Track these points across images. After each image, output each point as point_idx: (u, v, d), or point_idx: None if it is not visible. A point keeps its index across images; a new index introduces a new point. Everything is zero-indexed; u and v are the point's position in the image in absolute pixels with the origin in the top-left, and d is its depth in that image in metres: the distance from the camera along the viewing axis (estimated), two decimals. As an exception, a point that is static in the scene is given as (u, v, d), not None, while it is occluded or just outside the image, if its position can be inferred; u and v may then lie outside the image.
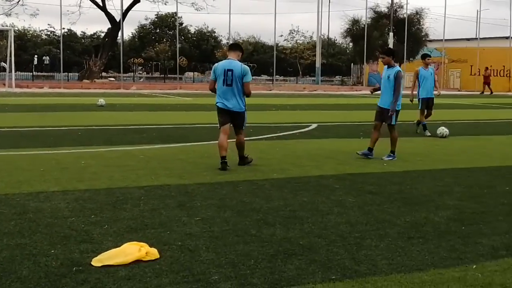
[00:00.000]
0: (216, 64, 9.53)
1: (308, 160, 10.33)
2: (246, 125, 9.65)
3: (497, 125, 18.97)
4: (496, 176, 9.12)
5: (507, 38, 57.74)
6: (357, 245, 5.32)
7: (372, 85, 57.42)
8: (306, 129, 15.94)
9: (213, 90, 9.38)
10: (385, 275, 4.56)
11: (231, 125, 9.38)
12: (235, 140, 9.49)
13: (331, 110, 24.11)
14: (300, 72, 71.82)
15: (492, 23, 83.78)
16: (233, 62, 9.24)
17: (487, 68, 47.94)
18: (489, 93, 45.22)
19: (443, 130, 14.39)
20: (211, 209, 6.44)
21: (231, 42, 56.97)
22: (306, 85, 54.98)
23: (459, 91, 51.76)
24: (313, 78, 59.17)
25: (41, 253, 4.82)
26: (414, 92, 15.26)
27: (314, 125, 16.90)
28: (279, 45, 68.76)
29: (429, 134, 14.65)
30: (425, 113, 15.12)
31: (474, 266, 4.79)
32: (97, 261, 4.58)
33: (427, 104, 15.13)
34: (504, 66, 53.64)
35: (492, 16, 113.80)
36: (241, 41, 70.37)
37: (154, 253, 4.74)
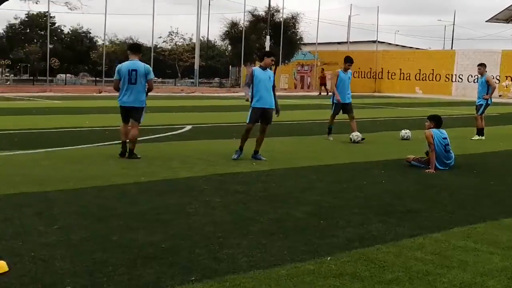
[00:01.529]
0: (119, 65, 10.65)
1: (179, 162, 10.29)
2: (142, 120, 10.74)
3: (362, 124, 19.82)
4: (356, 171, 9.54)
5: (374, 42, 60.73)
6: (220, 244, 5.36)
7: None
8: (180, 131, 15.87)
9: (117, 88, 10.57)
10: (244, 272, 4.63)
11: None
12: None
13: (207, 112, 24.16)
14: (179, 74, 71.32)
15: (361, 27, 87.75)
16: (137, 62, 10.48)
17: (323, 70, 49.57)
18: (326, 93, 46.40)
19: (355, 135, 13.81)
20: (71, 217, 6.23)
21: (107, 43, 55.75)
22: (184, 87, 54.73)
23: (330, 92, 53.66)
24: (191, 80, 58.99)
25: None
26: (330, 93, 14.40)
27: (188, 127, 16.86)
28: (157, 46, 67.94)
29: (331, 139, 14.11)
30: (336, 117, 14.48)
31: (328, 258, 4.98)
32: None
33: (344, 108, 14.38)
34: (371, 68, 56.35)
35: (362, 21, 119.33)
36: (118, 42, 68.78)
37: (1, 266, 4.49)
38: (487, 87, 15.24)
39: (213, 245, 5.31)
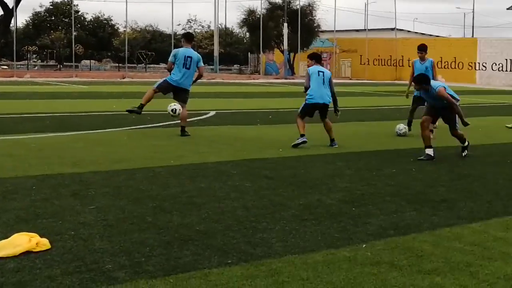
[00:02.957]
0: (176, 50, 11.89)
1: (206, 147, 10.35)
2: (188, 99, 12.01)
3: (384, 111, 19.78)
4: (385, 159, 9.54)
5: (392, 29, 60.11)
6: (253, 228, 5.39)
7: (269, 74, 58.41)
8: (204, 116, 15.95)
9: (170, 70, 11.78)
10: (279, 256, 4.65)
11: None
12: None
13: (229, 98, 24.20)
14: (199, 61, 71.45)
15: (379, 15, 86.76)
16: (190, 50, 11.82)
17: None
18: None
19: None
20: (106, 198, 6.31)
21: (128, 30, 56.10)
22: (204, 73, 54.80)
23: (350, 79, 53.56)
24: (211, 66, 59.13)
25: None
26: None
27: (212, 113, 16.93)
28: (177, 34, 68.19)
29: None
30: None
31: (364, 246, 4.99)
32: (-16, 254, 4.35)
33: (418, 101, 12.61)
34: (391, 56, 55.90)
35: (379, 8, 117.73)
36: (138, 29, 69.14)
37: (45, 244, 4.58)
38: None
39: (246, 229, 5.35)
